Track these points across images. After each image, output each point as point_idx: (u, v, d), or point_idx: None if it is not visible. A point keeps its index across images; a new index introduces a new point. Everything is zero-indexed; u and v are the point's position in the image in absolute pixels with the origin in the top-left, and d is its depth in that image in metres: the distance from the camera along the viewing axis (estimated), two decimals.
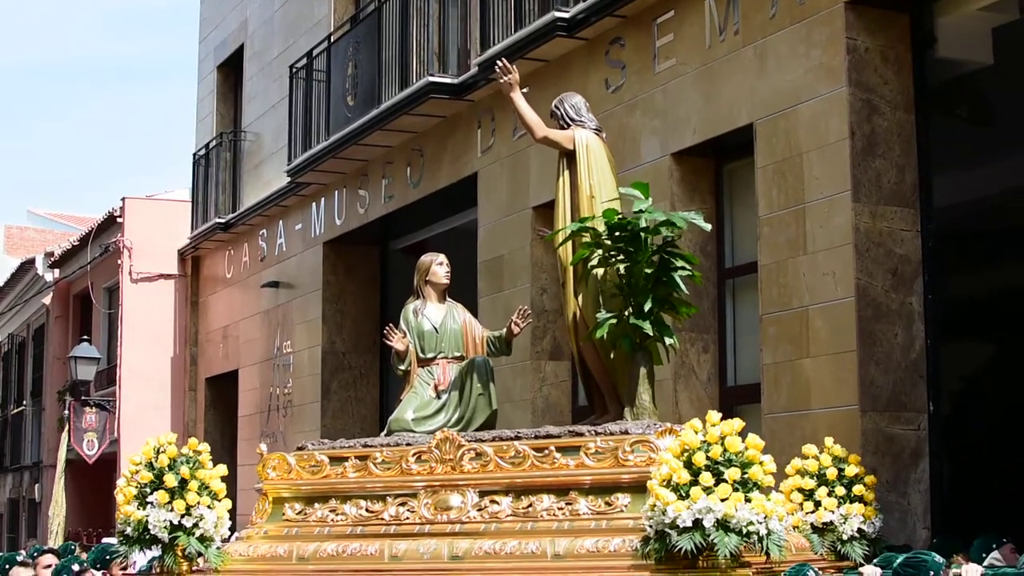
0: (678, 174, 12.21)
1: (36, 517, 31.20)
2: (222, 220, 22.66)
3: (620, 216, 8.45)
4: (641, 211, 8.41)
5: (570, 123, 9.02)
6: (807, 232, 10.65)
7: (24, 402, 33.49)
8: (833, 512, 8.85)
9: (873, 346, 10.24)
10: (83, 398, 25.48)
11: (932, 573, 7.40)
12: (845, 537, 8.90)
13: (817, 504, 8.89)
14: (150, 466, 9.05)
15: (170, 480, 8.92)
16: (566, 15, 13.29)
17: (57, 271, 29.64)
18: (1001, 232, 12.45)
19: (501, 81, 9.15)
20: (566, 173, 8.92)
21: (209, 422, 24.17)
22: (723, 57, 11.74)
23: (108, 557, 11.08)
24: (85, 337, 25.99)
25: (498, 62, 9.26)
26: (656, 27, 12.56)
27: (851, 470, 9.06)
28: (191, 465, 9.06)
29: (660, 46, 12.52)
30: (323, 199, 19.34)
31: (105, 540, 16.16)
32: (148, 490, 8.98)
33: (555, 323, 14.17)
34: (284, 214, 20.77)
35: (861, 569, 8.27)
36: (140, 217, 25.34)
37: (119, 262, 25.22)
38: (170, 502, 8.89)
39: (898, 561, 7.72)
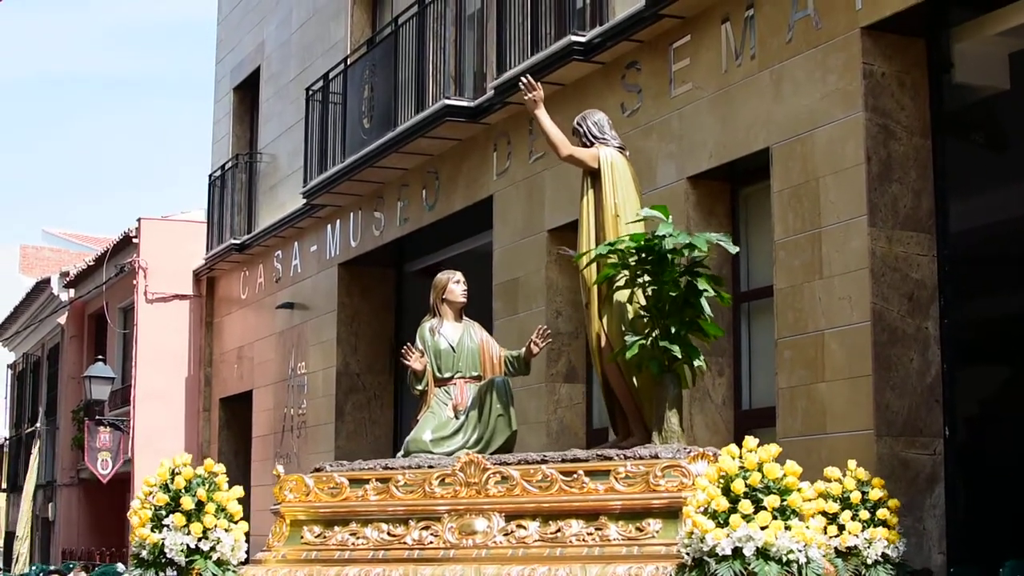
0: (694, 198, 12.23)
1: (49, 536, 31.24)
2: (237, 241, 22.71)
3: (648, 237, 8.40)
4: (667, 234, 8.35)
5: (594, 141, 8.92)
6: (823, 256, 10.66)
7: (38, 421, 33.55)
8: (857, 536, 8.76)
9: (889, 370, 10.24)
10: (97, 418, 25.54)
11: None
12: (869, 562, 8.82)
13: (841, 528, 8.82)
14: (166, 488, 8.90)
15: (187, 502, 8.77)
16: (582, 39, 13.33)
17: (72, 291, 29.73)
18: (1017, 257, 12.43)
19: (526, 98, 9.03)
20: (590, 192, 8.82)
21: (223, 443, 24.20)
22: (739, 82, 11.76)
23: None
24: (100, 357, 26.08)
25: (523, 79, 9.16)
26: (672, 51, 12.60)
27: (875, 493, 9.00)
28: (208, 487, 8.94)
29: (676, 70, 12.55)
30: (338, 221, 19.39)
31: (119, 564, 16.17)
32: (164, 512, 8.82)
33: (570, 345, 14.19)
34: (299, 236, 20.82)
35: None
36: (155, 238, 25.43)
37: (134, 282, 25.30)
38: (187, 525, 8.73)
39: None
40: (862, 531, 8.75)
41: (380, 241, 18.23)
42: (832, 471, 8.98)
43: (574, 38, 13.35)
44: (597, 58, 13.35)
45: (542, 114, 8.99)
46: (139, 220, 25.61)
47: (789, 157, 11.11)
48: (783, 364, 10.98)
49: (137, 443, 24.71)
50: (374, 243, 18.39)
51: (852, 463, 9.13)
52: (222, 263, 23.81)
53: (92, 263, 28.18)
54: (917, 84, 10.67)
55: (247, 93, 24.51)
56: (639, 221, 8.68)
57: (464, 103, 15.54)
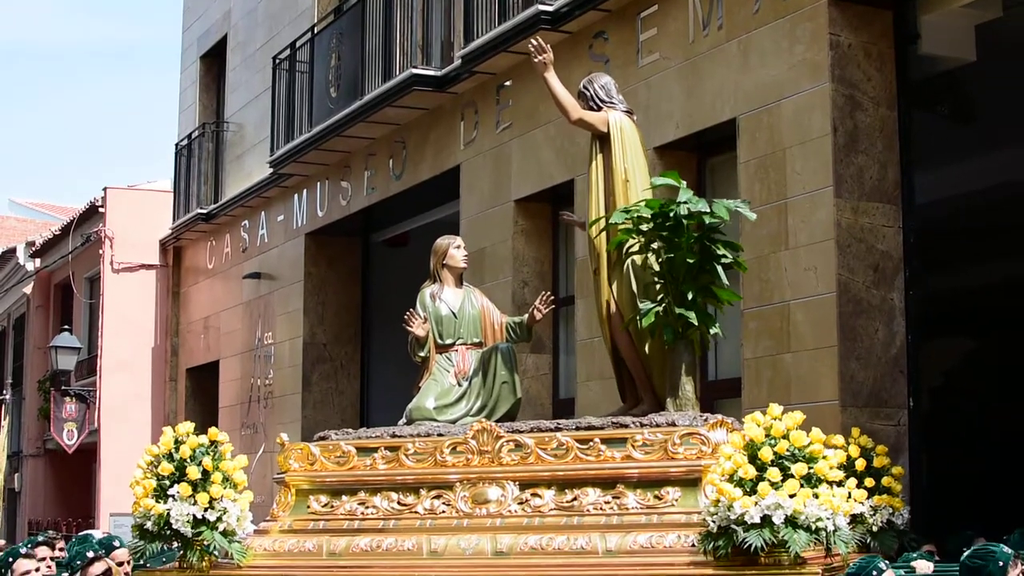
0: (661, 168, 12.16)
1: (15, 507, 31.13)
2: (204, 211, 22.61)
3: (664, 203, 8.29)
4: (684, 200, 8.28)
5: (601, 104, 8.81)
6: (789, 227, 10.66)
7: (4, 391, 33.39)
8: (863, 504, 8.66)
9: (854, 341, 10.26)
10: (63, 388, 25.41)
11: (1001, 564, 7.28)
12: (875, 529, 8.76)
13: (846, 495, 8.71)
14: (170, 457, 8.64)
15: (193, 472, 8.52)
16: (550, 8, 13.28)
17: (38, 260, 29.56)
18: (982, 228, 12.50)
19: (535, 60, 8.87)
20: (599, 156, 8.70)
21: (189, 413, 24.11)
22: (706, 52, 11.74)
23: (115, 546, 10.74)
24: (66, 327, 25.90)
25: (532, 41, 9.01)
26: (640, 21, 12.57)
27: (879, 460, 8.95)
28: (213, 456, 8.68)
29: (644, 40, 12.52)
30: (305, 190, 19.31)
31: (87, 532, 16.07)
32: (168, 482, 8.55)
33: None
34: (266, 205, 20.74)
35: (914, 563, 8.16)
36: (122, 207, 25.27)
37: (100, 252, 25.15)
38: (192, 495, 8.48)
39: (966, 554, 7.63)
40: (867, 498, 8.64)
41: (347, 211, 18.17)
42: (837, 439, 8.88)
43: (541, 7, 13.29)
44: (564, 27, 13.29)
45: (551, 77, 8.83)
46: (105, 189, 25.43)
47: (756, 128, 11.10)
48: (749, 335, 10.99)
49: (103, 413, 24.62)
50: (341, 212, 18.32)
51: (856, 431, 9.08)
52: (189, 233, 23.70)
53: (58, 233, 27.99)
54: (884, 55, 10.67)
55: (214, 62, 24.36)
56: (653, 188, 8.59)
57: (431, 72, 15.47)
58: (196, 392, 24.28)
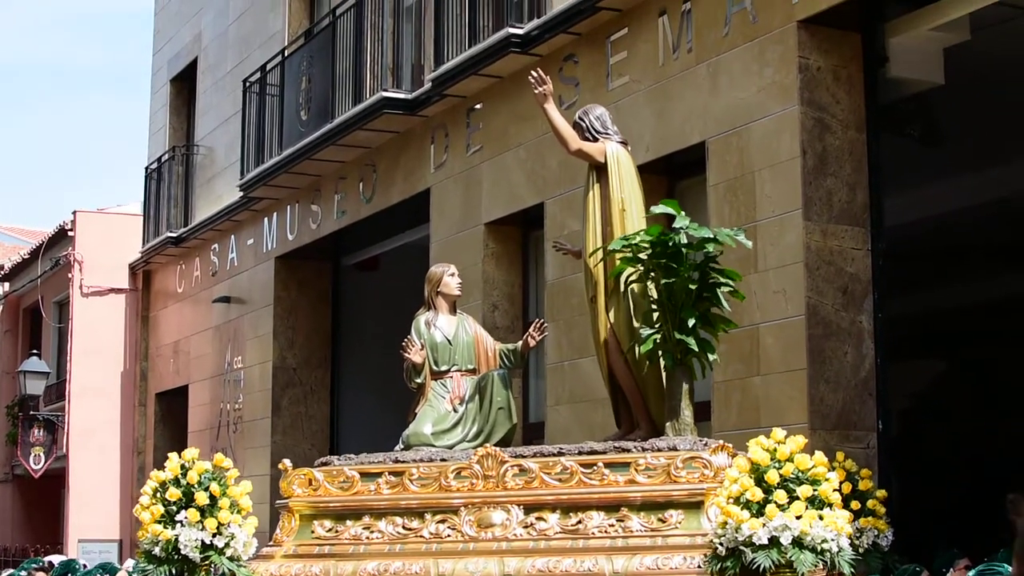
0: None
1: None
2: (174, 234, 22.53)
3: (663, 231, 8.41)
4: (684, 227, 8.38)
5: (596, 136, 8.92)
6: (758, 250, 10.66)
7: None
8: (848, 526, 8.72)
9: (823, 364, 10.26)
10: (31, 413, 25.27)
11: None
12: (860, 551, 8.82)
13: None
14: (177, 482, 8.76)
15: (201, 497, 8.64)
16: (520, 32, 13.29)
17: (7, 285, 29.43)
18: (950, 251, 12.53)
19: (535, 92, 8.98)
20: (596, 186, 8.83)
21: (159, 438, 24.01)
22: (676, 75, 11.75)
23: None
24: (35, 351, 25.81)
25: (532, 73, 9.11)
26: (609, 44, 12.59)
27: (864, 484, 9.03)
28: (220, 482, 8.80)
29: (613, 63, 12.53)
30: (275, 214, 19.27)
31: (52, 557, 15.98)
32: (175, 508, 8.68)
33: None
34: (236, 229, 20.67)
35: None
36: (91, 231, 25.19)
37: (70, 276, 25.05)
38: (200, 520, 8.60)
39: (971, 573, 7.63)
40: (853, 521, 8.68)
41: (317, 234, 18.14)
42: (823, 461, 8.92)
43: (512, 30, 13.31)
44: (535, 50, 13.31)
45: (551, 108, 8.96)
46: (74, 213, 25.37)
47: (725, 150, 11.11)
48: (718, 358, 10.96)
49: (72, 438, 24.48)
50: (311, 236, 18.29)
51: (840, 454, 9.13)
52: (158, 256, 23.61)
53: (27, 256, 27.89)
54: (852, 78, 10.70)
55: (184, 85, 24.31)
56: (653, 215, 8.68)
57: (402, 95, 15.47)
58: (165, 417, 24.16)
